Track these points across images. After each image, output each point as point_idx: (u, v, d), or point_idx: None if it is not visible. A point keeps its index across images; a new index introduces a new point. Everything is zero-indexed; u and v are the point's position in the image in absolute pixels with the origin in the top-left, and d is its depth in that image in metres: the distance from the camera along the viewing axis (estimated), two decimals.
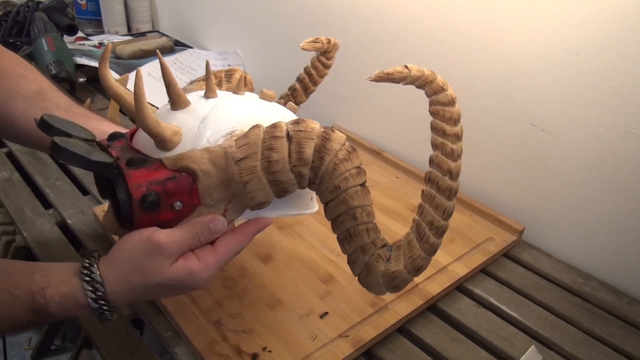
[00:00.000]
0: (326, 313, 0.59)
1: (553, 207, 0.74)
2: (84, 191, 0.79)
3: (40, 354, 1.14)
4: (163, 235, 0.43)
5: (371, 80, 0.47)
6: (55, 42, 1.08)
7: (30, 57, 1.09)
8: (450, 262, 0.68)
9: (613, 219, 0.68)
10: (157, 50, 0.53)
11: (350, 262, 0.48)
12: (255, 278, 0.63)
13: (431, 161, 0.48)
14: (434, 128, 0.49)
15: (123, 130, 0.53)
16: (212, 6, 1.28)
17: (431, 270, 0.66)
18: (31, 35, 1.16)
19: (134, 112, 0.44)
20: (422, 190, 0.48)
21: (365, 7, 0.89)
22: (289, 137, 0.44)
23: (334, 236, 0.71)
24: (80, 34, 1.35)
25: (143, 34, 1.45)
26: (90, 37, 1.36)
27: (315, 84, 0.66)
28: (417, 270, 0.47)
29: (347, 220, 0.45)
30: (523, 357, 0.56)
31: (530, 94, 0.71)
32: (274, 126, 0.44)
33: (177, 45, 1.33)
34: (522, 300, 0.65)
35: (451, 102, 0.50)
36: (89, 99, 0.77)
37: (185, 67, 1.20)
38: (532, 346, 0.58)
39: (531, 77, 0.70)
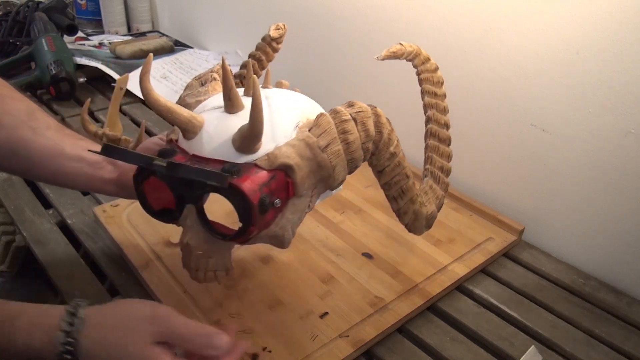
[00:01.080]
0: (326, 313, 0.59)
1: (553, 207, 0.74)
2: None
3: None
4: (165, 310, 0.43)
5: (380, 60, 0.54)
6: (55, 42, 1.08)
7: (30, 57, 1.09)
8: (450, 262, 0.68)
9: (613, 219, 0.68)
10: (222, 56, 0.50)
11: (402, 214, 0.56)
12: (255, 278, 0.63)
13: (429, 119, 0.57)
14: (426, 92, 0.57)
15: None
16: (212, 6, 1.28)
17: (431, 270, 0.66)
18: (31, 35, 1.16)
19: (185, 125, 0.45)
20: (427, 145, 0.56)
21: (365, 7, 0.89)
22: (353, 119, 0.48)
23: (334, 236, 0.71)
24: (80, 34, 1.36)
25: (143, 34, 1.45)
26: (90, 37, 1.36)
27: (263, 69, 0.67)
28: (441, 207, 0.59)
29: (401, 180, 0.53)
30: (523, 357, 0.56)
31: (530, 94, 0.71)
32: (336, 112, 0.48)
33: (177, 45, 1.33)
34: (522, 300, 0.65)
35: (436, 69, 0.60)
36: (89, 99, 0.76)
37: (185, 67, 1.20)
38: (532, 346, 0.58)
39: (531, 77, 0.70)
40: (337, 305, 0.60)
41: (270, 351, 0.54)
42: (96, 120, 1.02)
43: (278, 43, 0.65)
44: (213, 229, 0.46)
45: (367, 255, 0.68)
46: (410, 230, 0.58)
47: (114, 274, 0.64)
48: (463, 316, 0.62)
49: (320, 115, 0.48)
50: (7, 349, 0.41)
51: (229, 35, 1.27)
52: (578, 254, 0.72)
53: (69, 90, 1.04)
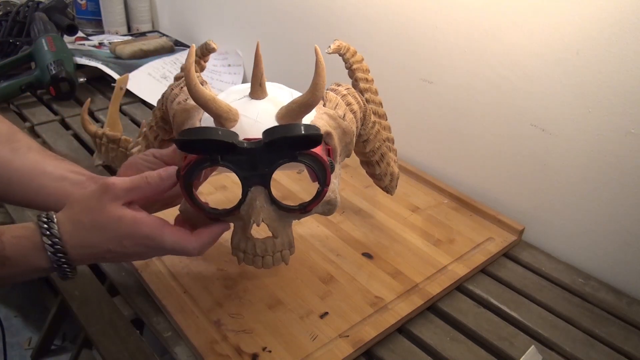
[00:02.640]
0: (326, 313, 0.59)
1: (553, 207, 0.74)
2: None
3: (40, 354, 1.14)
4: (113, 178, 0.46)
5: (329, 53, 0.60)
6: (55, 42, 1.08)
7: (30, 57, 1.09)
8: (450, 262, 0.68)
9: (613, 218, 0.68)
10: (258, 41, 0.49)
11: (382, 176, 0.65)
12: (255, 278, 0.63)
13: (368, 101, 0.62)
14: (360, 79, 0.63)
15: (89, 174, 0.55)
16: (212, 6, 1.28)
17: (431, 270, 0.66)
18: (31, 35, 1.16)
19: (226, 114, 0.46)
20: (372, 123, 0.61)
21: (366, 8, 0.89)
22: (348, 94, 0.56)
23: (334, 236, 0.72)
24: (80, 34, 1.36)
25: (143, 34, 1.45)
26: (90, 37, 1.36)
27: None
28: (398, 169, 0.70)
29: (381, 145, 0.63)
30: (523, 357, 0.56)
31: (530, 94, 0.71)
32: (334, 89, 0.56)
33: (177, 45, 1.33)
34: (522, 300, 0.65)
35: (362, 59, 0.65)
36: (89, 99, 0.77)
37: None
38: (532, 346, 0.58)
39: (531, 77, 0.70)
40: (337, 305, 0.60)
41: (270, 351, 0.54)
42: (96, 120, 1.02)
43: (205, 62, 0.65)
44: (282, 204, 0.48)
45: (367, 255, 0.68)
46: (387, 191, 0.69)
47: (114, 274, 0.64)
48: (463, 316, 0.62)
49: (326, 92, 0.54)
50: (4, 264, 0.43)
51: (229, 35, 1.27)
52: (578, 254, 0.72)
53: (69, 90, 1.04)
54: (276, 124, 0.47)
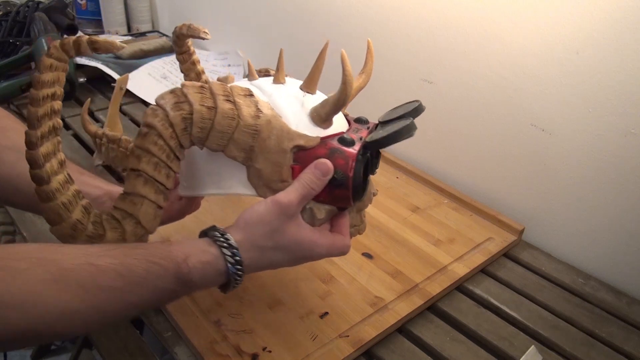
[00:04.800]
0: (326, 313, 0.59)
1: (553, 207, 0.74)
2: None
3: (40, 353, 1.14)
4: (282, 196, 0.46)
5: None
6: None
7: (30, 57, 1.08)
8: (450, 262, 0.68)
9: (613, 219, 0.68)
10: (328, 40, 0.54)
11: None
12: (255, 278, 0.63)
13: None
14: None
15: (106, 188, 0.56)
16: (212, 6, 1.28)
17: (431, 270, 0.66)
18: (31, 35, 1.16)
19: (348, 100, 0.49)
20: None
21: (366, 7, 0.89)
22: None
23: None
24: (80, 34, 1.35)
25: (143, 34, 1.45)
26: None
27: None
28: None
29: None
30: (523, 357, 0.56)
31: (530, 94, 0.71)
32: None
33: None
34: (522, 300, 0.65)
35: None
36: (89, 99, 0.77)
37: None
38: (532, 346, 0.58)
39: (531, 77, 0.70)
40: (337, 305, 0.60)
41: (270, 351, 0.54)
42: (96, 120, 1.02)
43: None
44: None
45: (367, 255, 0.68)
46: None
47: None
48: (463, 316, 0.62)
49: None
50: (188, 286, 0.44)
51: (229, 35, 1.27)
52: (578, 254, 0.72)
53: (69, 90, 1.04)
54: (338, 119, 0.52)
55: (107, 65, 1.13)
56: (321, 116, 0.49)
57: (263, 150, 0.47)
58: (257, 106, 0.47)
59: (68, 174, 0.45)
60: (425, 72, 0.84)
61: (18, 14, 1.21)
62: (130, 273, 0.41)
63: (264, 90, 0.51)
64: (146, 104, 1.07)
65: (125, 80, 0.85)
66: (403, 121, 0.48)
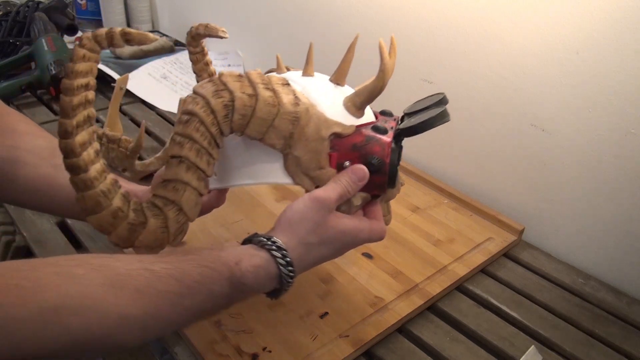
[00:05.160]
0: (326, 313, 0.59)
1: (553, 207, 0.74)
2: None
3: None
4: (320, 192, 0.47)
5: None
6: (55, 42, 1.08)
7: (30, 57, 1.09)
8: (450, 262, 0.68)
9: (613, 219, 0.68)
10: (357, 35, 0.57)
11: None
12: None
13: None
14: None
15: (126, 186, 0.55)
16: (212, 6, 1.28)
17: (431, 270, 0.66)
18: (31, 35, 1.16)
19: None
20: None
21: (365, 7, 0.89)
22: None
23: None
24: (80, 34, 1.35)
25: None
26: None
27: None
28: None
29: None
30: (523, 357, 0.56)
31: (530, 94, 0.71)
32: None
33: (177, 45, 1.33)
34: (522, 300, 0.65)
35: None
36: None
37: (185, 67, 1.20)
38: (532, 346, 0.58)
39: (531, 77, 0.70)
40: (337, 305, 0.60)
41: (270, 351, 0.54)
42: (96, 120, 1.02)
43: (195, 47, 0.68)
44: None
45: (367, 255, 0.68)
46: None
47: None
48: (463, 316, 0.62)
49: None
50: (241, 290, 0.44)
51: (229, 35, 1.27)
52: (578, 254, 0.72)
53: None
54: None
55: (107, 65, 1.13)
56: (356, 105, 0.50)
57: (302, 137, 0.47)
58: (295, 94, 0.47)
59: (105, 163, 0.45)
60: (425, 72, 0.84)
61: (18, 14, 1.21)
62: (186, 277, 0.40)
63: (296, 82, 0.51)
64: (146, 104, 1.07)
65: (125, 80, 0.85)
66: (437, 109, 0.49)
